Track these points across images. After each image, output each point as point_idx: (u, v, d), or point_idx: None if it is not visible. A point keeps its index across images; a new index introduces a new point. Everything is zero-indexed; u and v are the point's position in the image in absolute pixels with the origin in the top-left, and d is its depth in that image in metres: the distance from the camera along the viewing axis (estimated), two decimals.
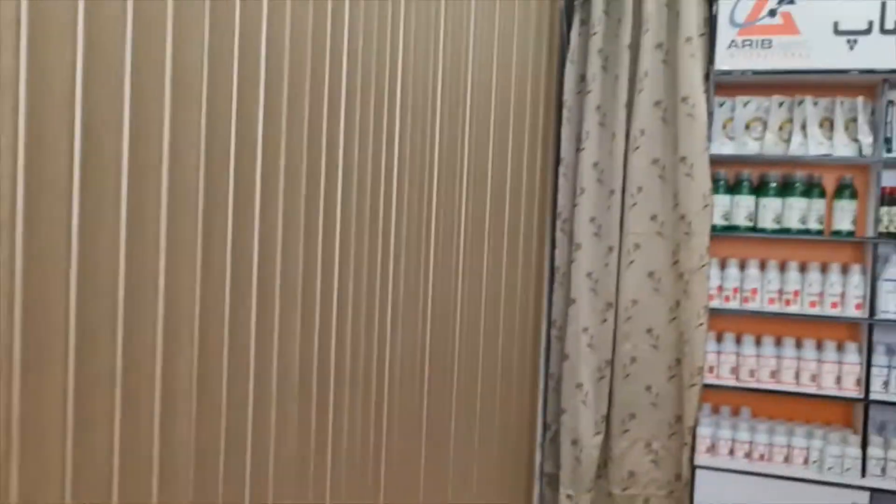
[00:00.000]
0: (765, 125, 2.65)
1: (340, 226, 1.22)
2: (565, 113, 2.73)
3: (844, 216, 2.58)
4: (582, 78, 2.71)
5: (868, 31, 2.44)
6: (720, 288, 2.66)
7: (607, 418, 2.68)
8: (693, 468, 2.57)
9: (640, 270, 2.62)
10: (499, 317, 2.15)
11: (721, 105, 2.71)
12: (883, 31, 2.42)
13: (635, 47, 2.62)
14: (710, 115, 2.59)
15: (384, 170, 1.38)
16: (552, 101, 2.67)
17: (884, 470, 2.48)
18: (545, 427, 2.81)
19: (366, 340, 1.34)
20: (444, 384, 1.73)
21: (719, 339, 2.70)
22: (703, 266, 2.53)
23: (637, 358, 2.62)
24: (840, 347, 2.58)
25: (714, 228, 2.61)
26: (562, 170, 2.74)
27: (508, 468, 2.39)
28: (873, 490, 2.44)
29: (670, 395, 2.62)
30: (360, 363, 1.32)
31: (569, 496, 2.66)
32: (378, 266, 1.37)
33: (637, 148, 2.61)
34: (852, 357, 2.54)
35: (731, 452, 2.62)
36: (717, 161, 2.65)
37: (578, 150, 2.69)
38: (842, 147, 2.55)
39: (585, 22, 2.71)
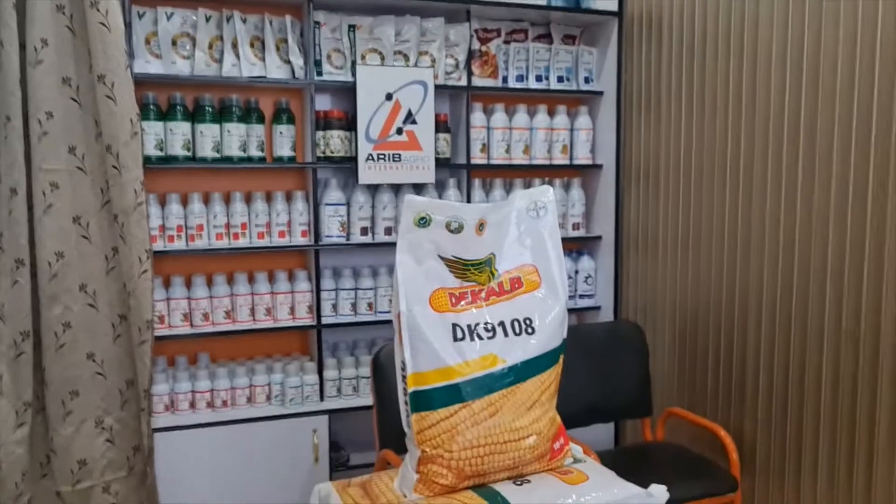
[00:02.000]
0: (194, 42, 2.47)
1: None
2: None
3: (284, 142, 2.60)
4: None
5: None
6: (162, 228, 2.47)
7: (43, 404, 2.29)
8: (152, 434, 2.38)
9: (64, 216, 2.25)
10: None
11: (142, 17, 2.43)
12: None
13: None
14: (129, 26, 2.30)
15: None
16: None
17: (339, 390, 2.67)
18: None
19: None
20: None
21: (167, 284, 2.52)
22: (139, 204, 2.28)
23: (72, 322, 2.28)
24: (291, 277, 2.65)
25: (148, 160, 2.38)
26: None
27: None
28: (331, 411, 2.60)
29: (118, 358, 2.36)
30: None
31: None
32: None
33: (40, 63, 2.18)
34: (303, 285, 2.64)
35: (192, 405, 2.52)
36: (144, 82, 2.41)
37: None
38: (275, 69, 2.55)
39: None
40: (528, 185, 2.86)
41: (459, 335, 1.25)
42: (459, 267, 1.30)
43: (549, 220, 1.37)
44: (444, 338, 1.25)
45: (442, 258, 1.29)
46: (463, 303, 1.28)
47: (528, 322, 1.30)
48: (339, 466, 2.67)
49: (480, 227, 1.32)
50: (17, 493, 2.23)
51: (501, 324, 1.28)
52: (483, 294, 1.30)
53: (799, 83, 2.11)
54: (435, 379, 1.25)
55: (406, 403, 1.29)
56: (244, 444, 2.48)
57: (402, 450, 2.03)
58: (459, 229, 1.29)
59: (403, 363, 1.26)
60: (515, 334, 1.29)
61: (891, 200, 1.85)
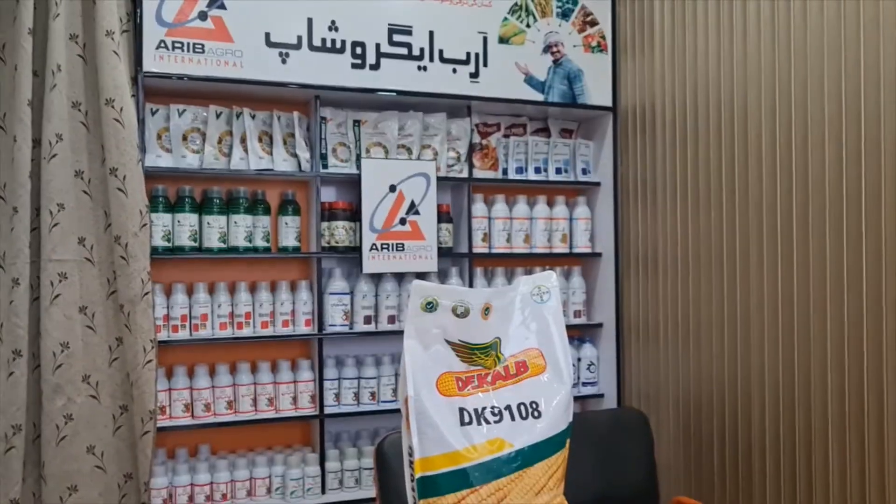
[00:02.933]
0: (204, 137, 2.55)
1: None
2: None
3: (289, 232, 2.63)
4: None
5: (298, 46, 2.53)
6: (167, 317, 2.46)
7: (40, 502, 2.23)
8: None
9: (70, 306, 2.25)
10: None
11: (154, 113, 2.51)
12: (311, 47, 2.54)
13: (42, 35, 2.25)
14: (142, 122, 2.37)
15: None
16: None
17: (341, 482, 2.60)
18: None
19: None
20: None
21: (170, 374, 2.49)
22: (146, 294, 2.29)
23: (74, 414, 2.24)
24: (294, 366, 2.63)
25: (155, 251, 2.40)
26: None
27: None
28: None
29: (118, 450, 2.31)
30: None
31: None
32: None
33: (54, 156, 2.24)
34: (306, 374, 2.61)
35: (191, 499, 2.45)
36: (153, 175, 2.45)
37: None
38: (282, 162, 2.61)
39: None
40: (529, 273, 2.88)
41: (467, 419, 1.26)
42: (466, 351, 1.31)
43: (553, 305, 1.39)
44: (452, 422, 1.26)
45: (448, 342, 1.31)
46: (469, 387, 1.30)
47: (534, 406, 1.31)
48: None
49: (486, 311, 1.34)
50: None
51: (508, 408, 1.30)
52: (489, 378, 1.31)
53: (789, 171, 2.16)
54: (442, 464, 1.25)
55: (413, 490, 1.27)
56: None
57: None
58: (465, 314, 1.31)
59: (411, 448, 1.25)
60: (522, 418, 1.30)
61: (886, 282, 1.87)
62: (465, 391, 1.28)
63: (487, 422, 1.27)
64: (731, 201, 2.38)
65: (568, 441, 1.36)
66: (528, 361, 1.34)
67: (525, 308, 1.38)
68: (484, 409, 1.27)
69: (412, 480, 1.27)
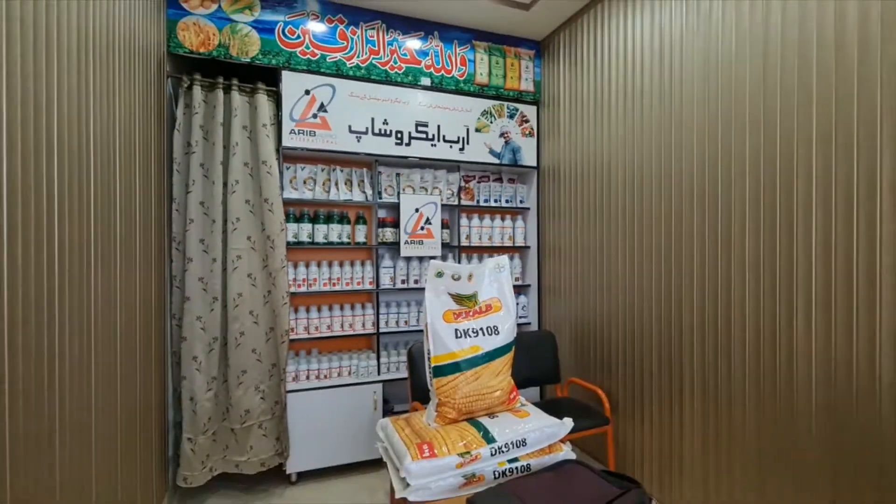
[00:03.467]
0: (315, 182, 2.56)
1: None
2: (175, 166, 2.18)
3: (360, 233, 2.65)
4: (188, 144, 2.21)
5: (366, 133, 2.53)
6: (294, 280, 2.48)
7: (225, 378, 2.25)
8: (286, 394, 2.33)
9: (242, 273, 2.27)
10: (121, 314, 1.56)
11: (288, 169, 2.52)
12: (373, 133, 2.55)
13: (227, 126, 2.25)
14: (281, 174, 2.38)
15: None
16: (162, 158, 2.11)
17: (388, 369, 2.63)
18: (174, 390, 2.22)
19: None
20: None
21: (297, 310, 2.51)
22: (283, 267, 2.31)
23: (244, 332, 2.26)
24: (363, 306, 2.65)
25: (288, 244, 2.42)
26: (175, 206, 2.19)
27: (141, 423, 1.79)
28: (384, 381, 2.55)
29: (268, 351, 2.33)
30: None
31: (189, 438, 2.14)
32: None
33: (234, 192, 2.25)
34: (369, 311, 2.63)
35: (308, 377, 2.47)
36: (288, 203, 2.47)
37: (187, 192, 2.18)
38: (357, 195, 2.62)
39: (189, 104, 2.22)
40: (491, 257, 2.90)
41: (458, 335, 1.27)
42: (458, 298, 1.32)
43: (506, 274, 1.40)
44: (450, 336, 1.26)
45: (449, 294, 1.31)
46: (460, 318, 1.30)
47: (495, 328, 1.31)
48: (388, 412, 2.61)
49: (469, 277, 1.35)
50: (204, 428, 2.17)
51: (482, 329, 1.30)
52: (471, 313, 1.32)
53: (640, 197, 2.17)
54: (445, 359, 1.25)
55: (429, 373, 1.29)
56: (336, 399, 2.44)
57: (425, 401, 2.00)
58: (459, 278, 1.32)
59: (428, 350, 1.27)
60: (488, 335, 1.30)
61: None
62: (458, 320, 1.30)
63: (469, 336, 1.27)
64: (599, 216, 2.40)
65: (513, 348, 1.36)
66: (492, 305, 1.36)
67: (491, 275, 1.39)
68: (468, 329, 1.28)
69: (429, 368, 1.28)
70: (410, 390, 2.14)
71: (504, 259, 1.42)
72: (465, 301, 1.33)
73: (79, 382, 1.25)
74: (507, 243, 2.97)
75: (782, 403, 1.48)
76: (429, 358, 1.27)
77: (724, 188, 1.68)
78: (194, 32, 2.20)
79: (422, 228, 2.68)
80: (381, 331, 2.62)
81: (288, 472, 2.35)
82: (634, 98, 2.13)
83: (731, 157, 1.65)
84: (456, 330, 1.28)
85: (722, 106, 1.69)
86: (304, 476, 2.42)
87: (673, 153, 1.90)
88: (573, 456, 1.23)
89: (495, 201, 2.95)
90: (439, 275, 1.30)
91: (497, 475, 1.14)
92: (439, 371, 1.26)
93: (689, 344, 1.87)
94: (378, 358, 2.60)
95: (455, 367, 1.26)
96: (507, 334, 1.35)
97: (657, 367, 2.05)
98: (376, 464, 2.53)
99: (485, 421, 1.28)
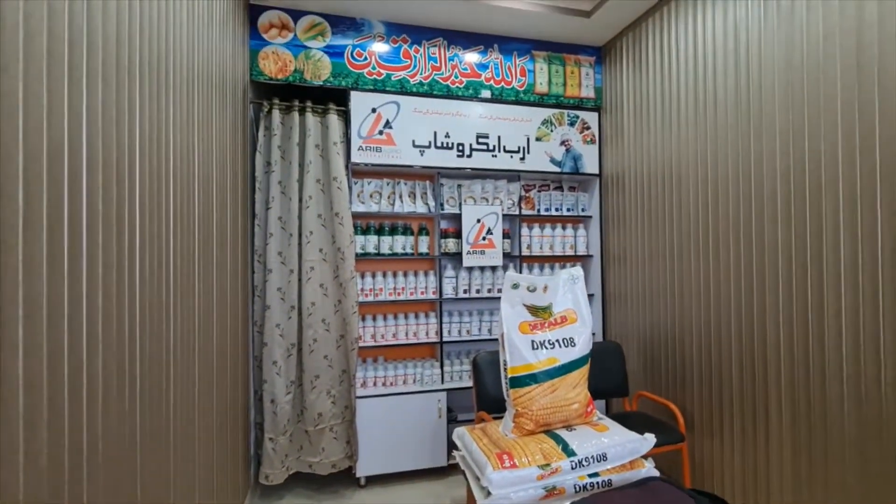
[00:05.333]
0: (380, 195, 2.65)
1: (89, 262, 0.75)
2: (257, 185, 2.36)
3: (423, 244, 2.70)
4: (268, 163, 2.38)
5: (429, 147, 2.60)
6: (362, 290, 2.57)
7: (300, 382, 2.37)
8: (355, 399, 2.43)
9: (315, 284, 2.39)
10: (215, 321, 1.71)
11: (356, 183, 2.64)
12: (436, 146, 2.61)
13: (302, 145, 2.40)
14: (350, 188, 2.49)
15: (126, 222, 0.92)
16: (247, 178, 2.28)
17: (451, 377, 2.65)
18: (255, 392, 2.37)
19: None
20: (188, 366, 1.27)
21: (364, 319, 2.60)
22: (353, 278, 2.41)
23: (317, 339, 2.38)
24: (426, 315, 2.69)
25: (357, 255, 2.52)
26: (257, 222, 2.36)
27: (230, 422, 1.93)
28: (448, 390, 2.58)
29: (339, 358, 2.42)
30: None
31: (270, 438, 2.28)
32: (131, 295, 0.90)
33: (307, 207, 2.38)
34: (433, 320, 2.67)
35: (374, 384, 2.55)
36: (356, 216, 2.58)
37: (267, 208, 2.35)
38: (420, 207, 2.68)
39: (268, 127, 2.40)
40: (552, 269, 2.86)
41: (535, 346, 1.27)
42: (533, 310, 1.32)
43: (581, 285, 1.38)
44: (527, 348, 1.26)
45: (524, 305, 1.32)
46: (536, 329, 1.30)
47: (571, 340, 1.30)
48: (452, 420, 2.64)
49: (545, 288, 1.34)
50: (284, 429, 2.29)
51: (558, 340, 1.29)
52: (547, 325, 1.32)
53: (706, 205, 2.07)
54: (522, 370, 1.25)
55: (506, 383, 1.29)
56: (402, 406, 2.48)
57: (491, 411, 2.00)
58: (534, 290, 1.32)
59: (505, 361, 1.27)
60: (564, 346, 1.29)
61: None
62: (534, 332, 1.30)
63: (545, 348, 1.27)
64: (670, 224, 2.32)
65: (589, 360, 1.33)
66: (567, 316, 1.35)
67: (565, 286, 1.38)
68: (544, 341, 1.28)
69: (505, 379, 1.29)
70: (476, 400, 2.15)
71: (578, 270, 1.40)
72: (540, 312, 1.32)
73: (185, 385, 1.38)
74: (569, 252, 2.91)
75: (891, 422, 1.35)
76: (505, 368, 1.28)
77: (812, 197, 1.57)
78: (273, 60, 2.38)
79: (483, 239, 2.69)
80: (444, 339, 2.65)
81: (357, 476, 2.43)
82: (707, 102, 2.04)
83: (821, 163, 1.54)
84: (532, 341, 1.28)
85: (809, 109, 1.58)
86: (372, 480, 2.49)
87: (753, 160, 1.80)
88: (657, 473, 1.19)
89: (556, 210, 2.91)
90: (515, 286, 1.30)
91: (578, 489, 1.13)
92: (516, 382, 1.26)
93: (774, 359, 1.75)
94: (441, 366, 2.63)
95: (532, 379, 1.26)
96: (583, 346, 1.33)
97: (738, 382, 1.93)
98: (440, 472, 2.55)
99: (563, 433, 1.27)
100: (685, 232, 2.21)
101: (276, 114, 2.36)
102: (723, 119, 1.96)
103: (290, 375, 2.32)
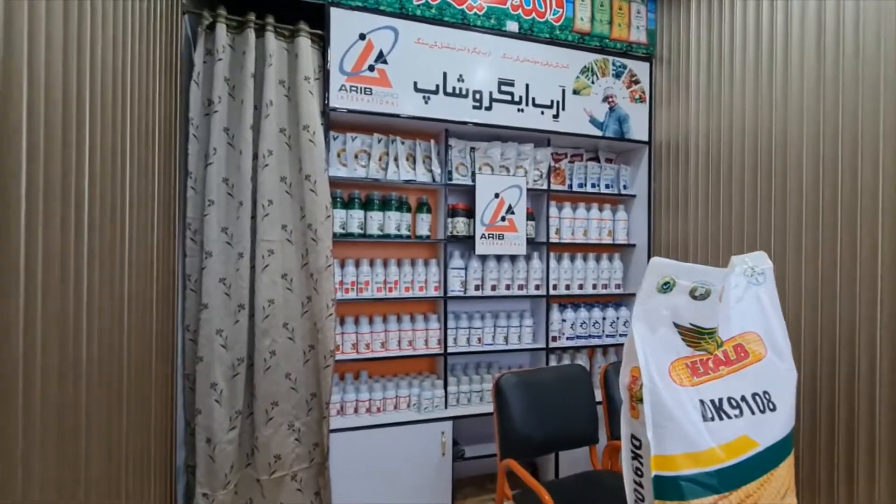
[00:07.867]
0: (369, 156, 2.00)
1: None
2: (191, 130, 1.66)
3: (424, 225, 2.08)
4: (209, 101, 1.68)
5: (436, 92, 1.96)
6: (341, 282, 1.93)
7: (251, 411, 1.72)
8: (328, 434, 1.78)
9: (275, 273, 1.74)
10: (130, 323, 1.05)
11: (335, 139, 1.98)
12: (445, 93, 1.97)
13: (259, 78, 1.72)
14: (327, 145, 1.83)
15: None
16: (175, 118, 1.57)
17: (458, 400, 2.05)
18: (187, 424, 1.69)
19: None
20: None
21: (342, 322, 1.97)
22: (328, 266, 1.76)
23: (276, 351, 1.73)
24: (426, 318, 2.08)
25: (334, 235, 1.87)
26: (190, 183, 1.66)
27: (149, 464, 1.27)
28: (454, 418, 1.97)
29: (307, 377, 1.80)
30: None
31: (204, 495, 1.61)
32: None
33: (266, 166, 1.71)
34: (434, 324, 2.07)
35: (356, 411, 1.92)
36: (333, 182, 1.92)
37: (207, 164, 1.65)
38: (421, 175, 2.05)
39: (210, 50, 1.69)
40: (585, 258, 2.27)
41: (708, 413, 0.67)
42: (693, 335, 0.71)
43: (770, 286, 0.78)
44: (695, 418, 0.66)
45: (677, 325, 0.71)
46: (702, 375, 0.70)
47: (767, 396, 0.70)
48: (458, 457, 2.03)
49: (722, 293, 0.74)
50: (226, 480, 1.64)
51: (744, 399, 0.69)
52: (711, 364, 0.71)
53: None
54: (685, 464, 0.64)
55: (636, 480, 0.68)
56: (392, 441, 1.88)
57: (521, 456, 1.42)
58: (706, 295, 0.71)
59: (638, 439, 0.66)
60: (760, 411, 0.69)
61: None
62: (699, 379, 0.70)
63: (728, 416, 0.67)
64: (766, 208, 1.75)
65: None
66: (746, 346, 0.75)
67: (737, 288, 0.78)
68: (721, 400, 0.68)
69: (636, 473, 0.67)
70: (499, 441, 1.55)
71: (760, 258, 0.80)
72: (705, 340, 0.71)
73: (65, 417, 0.72)
74: (606, 240, 2.35)
75: None
76: (636, 454, 0.67)
77: None
78: None
79: (502, 219, 2.09)
80: (448, 350, 2.05)
81: None
82: (826, 44, 1.46)
83: None
84: (702, 403, 0.68)
85: None
86: None
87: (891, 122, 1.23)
88: None
89: (592, 186, 2.33)
90: (665, 287, 0.71)
91: None
92: (672, 489, 0.65)
93: None
94: (445, 386, 2.02)
95: (709, 485, 0.65)
96: (789, 406, 0.74)
97: (889, 415, 1.37)
98: None
99: None
100: (793, 219, 1.64)
101: (220, 31, 1.66)
102: (852, 65, 1.38)
103: (236, 403, 1.66)
